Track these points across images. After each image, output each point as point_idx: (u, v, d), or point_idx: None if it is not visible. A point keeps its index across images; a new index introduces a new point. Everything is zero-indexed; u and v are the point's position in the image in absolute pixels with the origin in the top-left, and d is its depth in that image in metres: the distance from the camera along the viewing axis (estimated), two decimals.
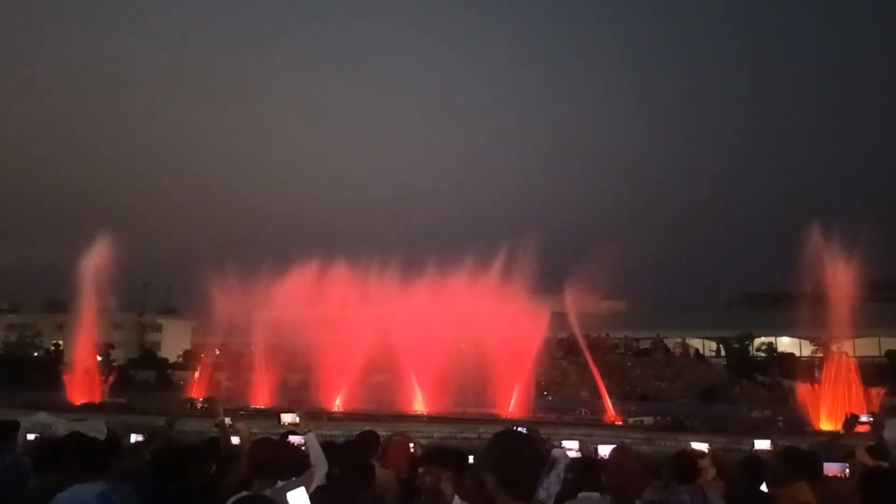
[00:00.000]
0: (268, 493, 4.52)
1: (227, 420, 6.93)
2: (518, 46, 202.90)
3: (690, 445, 8.27)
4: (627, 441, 10.18)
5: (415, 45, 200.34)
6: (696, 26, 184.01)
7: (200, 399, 7.62)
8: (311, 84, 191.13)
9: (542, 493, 6.19)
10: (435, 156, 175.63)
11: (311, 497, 4.28)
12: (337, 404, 24.79)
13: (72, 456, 5.57)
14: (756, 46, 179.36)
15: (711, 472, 6.64)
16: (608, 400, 22.57)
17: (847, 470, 5.77)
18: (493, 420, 20.33)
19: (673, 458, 6.07)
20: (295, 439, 6.69)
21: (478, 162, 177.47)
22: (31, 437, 8.26)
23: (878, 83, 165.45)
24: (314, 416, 16.92)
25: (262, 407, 24.71)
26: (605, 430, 18.18)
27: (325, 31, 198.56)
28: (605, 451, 6.96)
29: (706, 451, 8.27)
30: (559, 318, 26.49)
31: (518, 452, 2.88)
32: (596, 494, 5.36)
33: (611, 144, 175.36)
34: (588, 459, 6.67)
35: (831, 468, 5.80)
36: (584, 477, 5.92)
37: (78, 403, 25.26)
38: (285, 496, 4.51)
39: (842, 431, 7.14)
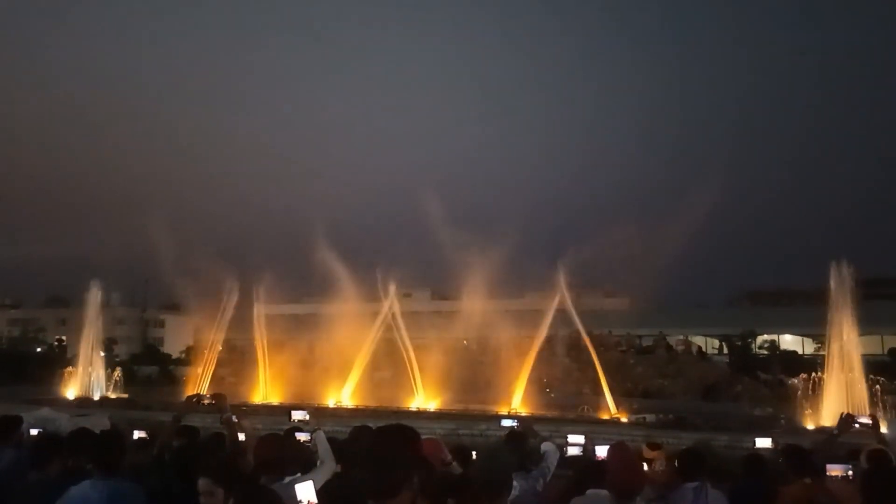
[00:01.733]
0: (274, 487, 4.55)
1: (234, 417, 6.98)
2: (515, 41, 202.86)
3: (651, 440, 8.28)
4: (628, 439, 10.19)
5: (412, 40, 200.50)
6: (694, 21, 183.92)
7: (208, 395, 7.65)
8: (314, 82, 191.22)
9: (536, 487, 6.23)
10: (436, 152, 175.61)
11: (319, 492, 4.31)
12: (339, 400, 24.88)
13: (77, 451, 5.61)
14: (756, 37, 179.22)
15: (660, 465, 6.69)
16: (610, 397, 22.57)
17: (850, 471, 5.74)
18: (495, 416, 20.37)
19: (678, 455, 6.07)
20: (300, 436, 6.73)
21: (477, 158, 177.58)
22: (34, 432, 8.30)
23: (880, 77, 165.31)
24: (317, 411, 16.99)
25: (266, 403, 24.84)
26: (607, 428, 18.22)
27: (329, 28, 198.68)
28: (602, 451, 6.96)
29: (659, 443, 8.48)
30: (562, 315, 26.48)
31: (368, 448, 2.74)
32: (604, 492, 5.38)
33: (610, 141, 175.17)
34: (593, 456, 6.69)
35: (834, 469, 5.77)
36: (589, 474, 5.96)
37: (81, 399, 25.39)
38: (293, 490, 4.55)
39: (836, 432, 7.06)
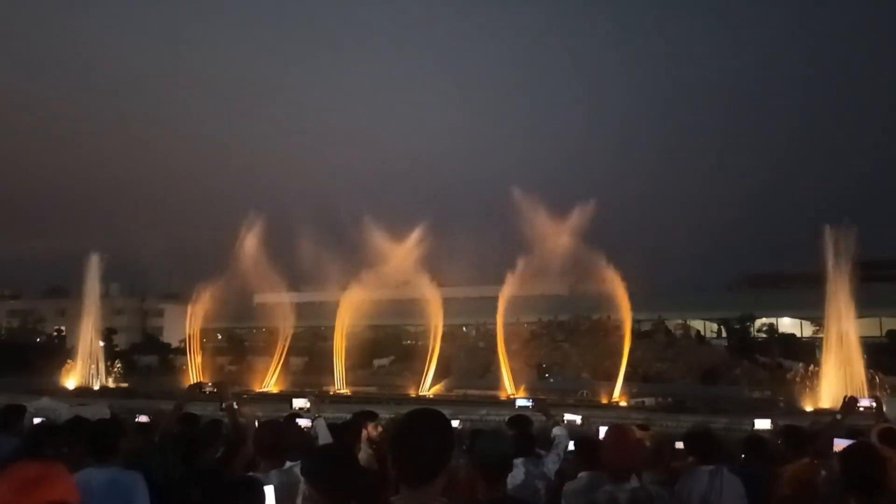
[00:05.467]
0: (274, 473, 4.57)
1: (235, 404, 7.01)
2: (506, 32, 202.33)
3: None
4: (627, 423, 10.23)
5: (413, 39, 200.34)
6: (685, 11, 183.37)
7: (209, 383, 7.69)
8: (317, 77, 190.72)
9: (543, 473, 6.22)
10: (435, 146, 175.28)
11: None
12: (343, 387, 24.94)
13: (78, 439, 5.62)
14: (748, 23, 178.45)
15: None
16: (620, 382, 22.45)
17: None
18: (495, 402, 20.41)
19: (698, 437, 6.05)
20: (301, 422, 6.76)
21: (475, 142, 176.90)
22: (37, 420, 8.33)
23: (877, 64, 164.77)
24: (318, 399, 17.00)
25: (266, 391, 24.88)
26: (606, 412, 18.28)
27: (328, 28, 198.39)
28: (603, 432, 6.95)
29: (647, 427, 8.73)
30: (560, 300, 26.55)
31: (405, 432, 2.66)
32: (597, 473, 5.37)
33: (607, 126, 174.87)
34: (587, 438, 6.68)
35: (841, 444, 5.83)
36: (583, 455, 5.96)
37: (81, 388, 25.42)
38: (293, 476, 4.57)
39: (839, 416, 7.10)
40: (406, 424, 2.69)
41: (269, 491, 3.86)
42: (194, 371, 26.55)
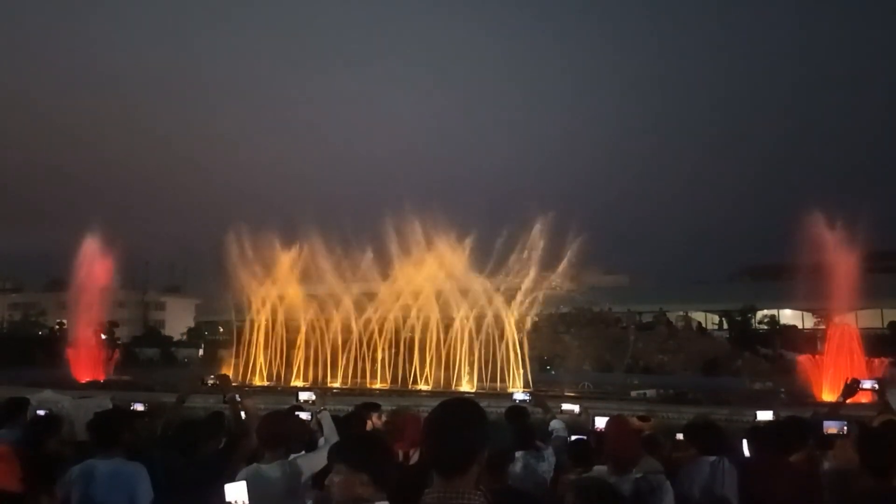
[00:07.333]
0: (278, 464, 4.58)
1: (237, 396, 7.03)
2: (497, 26, 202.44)
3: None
4: (629, 414, 10.23)
5: (403, 32, 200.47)
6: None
7: (211, 376, 7.72)
8: (308, 72, 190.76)
9: (542, 466, 6.22)
10: (437, 137, 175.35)
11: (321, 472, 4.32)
12: (344, 381, 24.96)
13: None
14: (742, 14, 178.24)
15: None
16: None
17: (845, 428, 5.79)
18: (496, 395, 20.40)
19: (700, 429, 6.05)
20: (301, 415, 6.77)
21: (474, 135, 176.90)
22: (41, 412, 8.35)
23: (873, 54, 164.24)
24: (321, 392, 16.99)
25: (268, 384, 24.93)
26: (607, 403, 18.26)
27: (320, 24, 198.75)
28: (602, 422, 6.95)
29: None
30: (562, 293, 26.48)
31: (439, 421, 2.68)
32: (602, 468, 5.38)
33: (606, 120, 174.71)
34: (581, 439, 6.66)
35: (830, 426, 5.82)
36: (573, 453, 5.96)
37: (83, 381, 25.42)
38: (297, 467, 4.59)
39: (841, 399, 7.08)
40: (440, 413, 2.69)
41: (242, 487, 3.84)
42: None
